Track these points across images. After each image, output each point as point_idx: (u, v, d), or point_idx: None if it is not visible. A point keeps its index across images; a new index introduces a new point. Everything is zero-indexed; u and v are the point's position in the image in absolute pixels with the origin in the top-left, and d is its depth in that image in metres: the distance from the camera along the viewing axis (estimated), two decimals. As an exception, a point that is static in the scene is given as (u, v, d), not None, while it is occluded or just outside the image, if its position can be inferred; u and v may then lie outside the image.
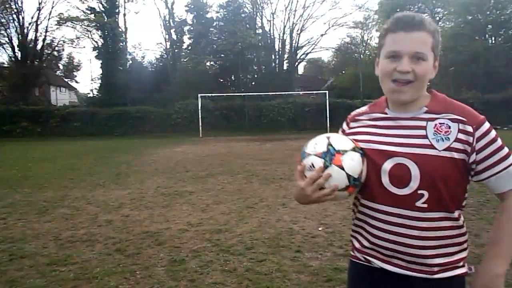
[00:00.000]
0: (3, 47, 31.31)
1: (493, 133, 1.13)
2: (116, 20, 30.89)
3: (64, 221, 4.94)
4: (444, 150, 1.10)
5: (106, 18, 29.67)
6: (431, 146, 1.11)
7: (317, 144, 1.17)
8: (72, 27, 33.25)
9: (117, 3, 31.17)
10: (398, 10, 36.86)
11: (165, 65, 32.93)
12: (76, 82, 60.83)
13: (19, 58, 30.57)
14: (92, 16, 30.64)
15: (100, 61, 30.66)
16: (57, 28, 33.36)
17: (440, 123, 1.13)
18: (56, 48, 35.37)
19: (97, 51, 30.93)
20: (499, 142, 1.13)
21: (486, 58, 27.99)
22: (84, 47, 70.23)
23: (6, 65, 32.26)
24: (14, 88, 29.33)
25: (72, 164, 10.84)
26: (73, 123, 26.21)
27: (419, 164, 1.11)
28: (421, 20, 1.11)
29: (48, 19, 32.64)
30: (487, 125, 1.13)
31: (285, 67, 35.85)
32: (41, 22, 35.69)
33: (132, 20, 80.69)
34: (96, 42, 31.38)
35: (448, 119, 1.13)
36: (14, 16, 30.33)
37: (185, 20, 33.90)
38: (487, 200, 5.39)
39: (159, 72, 32.31)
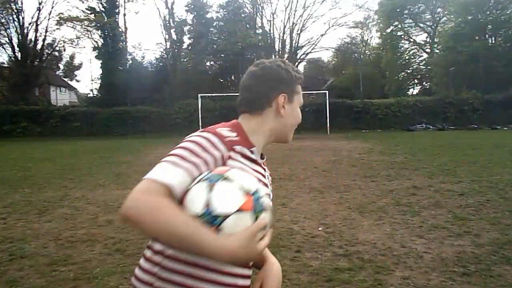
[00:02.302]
0: (3, 47, 31.43)
1: None
2: (116, 20, 30.92)
3: (64, 221, 4.93)
4: None
5: (106, 18, 29.69)
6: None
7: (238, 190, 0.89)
8: (72, 27, 33.32)
9: (117, 3, 31.22)
10: (398, 10, 36.92)
11: (165, 65, 32.93)
12: (77, 81, 60.97)
13: (19, 58, 30.61)
14: (92, 16, 30.67)
15: (100, 61, 30.70)
16: (57, 28, 33.48)
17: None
18: (56, 48, 35.45)
19: (97, 51, 30.96)
20: None
21: (486, 58, 27.98)
22: (84, 47, 70.21)
23: (6, 65, 32.31)
24: (14, 88, 29.37)
25: (72, 164, 10.83)
26: (73, 123, 26.26)
27: None
28: None
29: (48, 19, 32.80)
30: None
31: (285, 67, 35.94)
32: (41, 22, 35.79)
33: (132, 20, 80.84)
34: (96, 42, 31.47)
35: None
36: (14, 16, 30.42)
37: (185, 20, 33.90)
38: (487, 200, 5.38)
39: (159, 72, 32.30)
